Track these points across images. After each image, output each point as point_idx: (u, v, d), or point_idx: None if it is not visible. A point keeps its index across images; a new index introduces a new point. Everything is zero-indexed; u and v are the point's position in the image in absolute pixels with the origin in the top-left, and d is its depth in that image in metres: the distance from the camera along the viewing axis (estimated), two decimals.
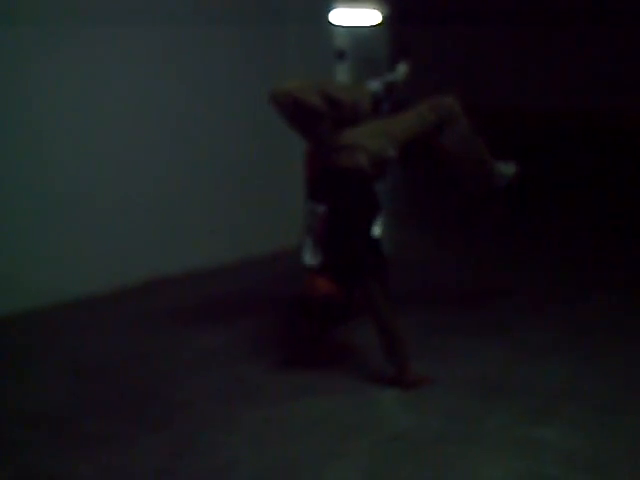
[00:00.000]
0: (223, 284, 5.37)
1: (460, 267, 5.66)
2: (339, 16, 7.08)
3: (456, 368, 3.96)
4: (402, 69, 4.42)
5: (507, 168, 4.37)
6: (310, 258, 3.86)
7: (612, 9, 11.76)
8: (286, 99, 3.82)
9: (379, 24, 10.03)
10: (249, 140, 5.74)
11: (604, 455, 3.15)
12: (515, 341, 4.27)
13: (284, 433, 3.40)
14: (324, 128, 3.90)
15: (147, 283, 5.29)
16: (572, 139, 11.15)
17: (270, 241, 5.84)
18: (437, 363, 3.99)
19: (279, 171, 5.89)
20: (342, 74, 7.48)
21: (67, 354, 4.28)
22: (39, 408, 3.67)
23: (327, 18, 6.19)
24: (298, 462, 3.16)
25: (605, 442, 3.24)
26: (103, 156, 5.09)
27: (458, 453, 3.19)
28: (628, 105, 11.65)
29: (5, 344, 4.44)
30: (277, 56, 5.82)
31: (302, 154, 4.49)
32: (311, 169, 4.23)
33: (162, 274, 5.36)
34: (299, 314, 3.82)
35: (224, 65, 5.60)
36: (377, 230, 3.96)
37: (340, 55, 7.92)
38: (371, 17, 9.43)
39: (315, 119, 3.87)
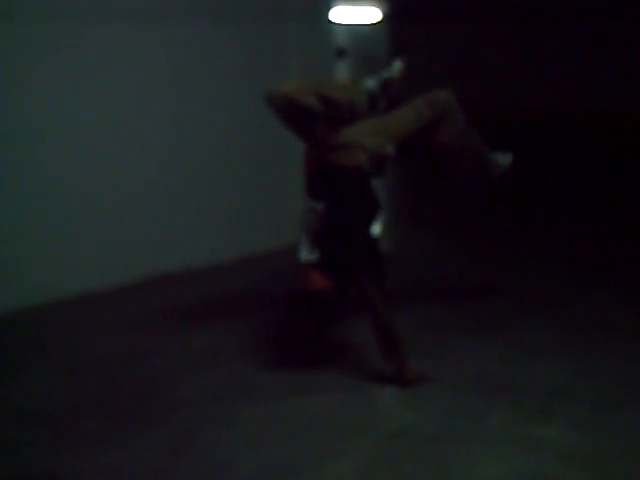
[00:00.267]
0: (222, 282, 5.38)
1: (460, 265, 5.66)
2: (339, 14, 7.07)
3: (455, 366, 3.96)
4: (397, 66, 4.42)
5: (503, 158, 4.40)
6: (306, 255, 3.86)
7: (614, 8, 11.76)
8: (282, 101, 3.83)
9: (379, 22, 10.03)
10: (249, 138, 5.75)
11: (603, 452, 3.15)
12: (514, 339, 4.27)
13: (283, 431, 3.40)
14: (321, 128, 3.90)
15: (146, 281, 5.29)
16: (573, 139, 11.15)
17: (269, 239, 5.85)
18: (436, 361, 4.00)
19: (278, 169, 5.89)
20: (342, 72, 7.47)
21: (66, 352, 4.28)
22: (38, 406, 3.68)
23: (327, 16, 6.18)
24: (297, 460, 3.16)
25: (604, 439, 3.24)
26: (102, 154, 5.09)
27: (457, 450, 3.19)
28: (629, 105, 11.65)
29: (4, 341, 4.45)
30: (277, 54, 5.82)
31: (301, 152, 4.49)
32: (310, 167, 4.23)
33: (161, 272, 5.37)
34: (294, 310, 3.83)
35: (224, 64, 5.60)
36: (376, 228, 3.96)
37: (340, 53, 7.91)
38: (371, 15, 9.43)
39: (311, 120, 3.88)
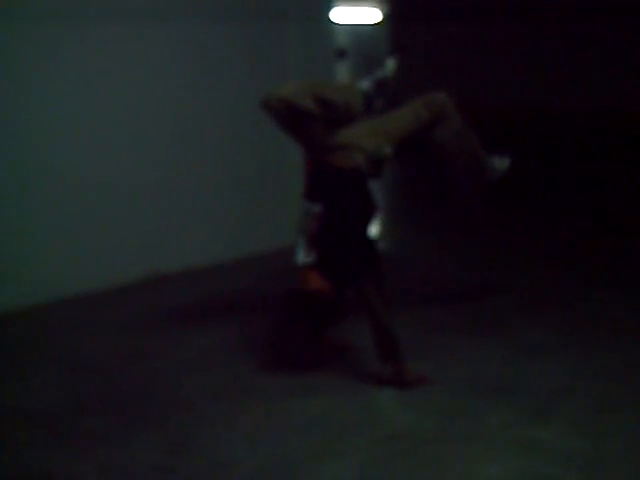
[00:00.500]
0: (221, 282, 5.38)
1: (459, 265, 5.66)
2: (340, 14, 7.09)
3: (454, 367, 3.96)
4: (391, 65, 4.42)
5: (500, 162, 4.39)
6: (303, 257, 3.87)
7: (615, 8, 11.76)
8: (280, 105, 3.84)
9: (380, 22, 10.03)
10: (249, 138, 5.75)
11: (602, 454, 3.15)
12: (513, 340, 4.28)
13: (282, 431, 3.40)
14: (318, 130, 3.91)
15: (146, 281, 5.29)
16: (573, 138, 11.15)
17: (269, 239, 5.85)
18: (435, 362, 4.00)
19: (278, 169, 5.90)
20: (343, 72, 7.47)
21: (65, 351, 4.28)
22: (38, 405, 3.68)
23: (328, 16, 6.19)
24: (296, 460, 3.17)
25: (603, 441, 3.24)
26: (102, 154, 5.09)
27: (456, 452, 3.20)
28: (629, 105, 11.65)
29: (4, 341, 4.45)
30: (278, 54, 5.82)
31: (301, 153, 4.50)
32: (310, 168, 4.24)
33: (161, 272, 5.36)
34: (292, 311, 3.83)
35: (224, 64, 5.60)
36: (373, 229, 3.96)
37: (341, 54, 7.92)
38: (372, 15, 9.43)
39: (309, 122, 3.88)
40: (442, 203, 7.43)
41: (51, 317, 4.76)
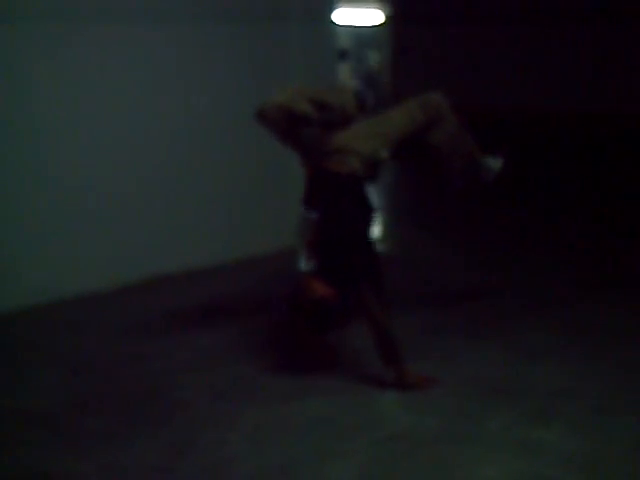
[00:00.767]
0: (222, 283, 5.38)
1: (459, 267, 5.66)
2: (342, 16, 7.10)
3: (455, 368, 3.96)
4: (373, 58, 4.44)
5: (494, 162, 4.39)
6: (304, 264, 3.87)
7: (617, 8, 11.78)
8: (278, 112, 3.84)
9: (382, 24, 10.05)
10: (250, 140, 5.74)
11: (603, 456, 3.15)
12: (514, 341, 4.28)
13: (283, 432, 3.41)
14: (316, 134, 3.91)
15: (147, 282, 5.29)
16: (573, 139, 11.15)
17: (271, 240, 5.85)
18: (436, 363, 4.00)
19: (279, 171, 5.89)
20: (344, 73, 7.48)
21: (66, 352, 4.29)
22: (39, 406, 3.68)
23: (330, 18, 6.19)
24: (297, 461, 3.17)
25: (604, 443, 3.24)
26: (103, 155, 5.09)
27: (457, 453, 3.20)
28: (629, 107, 11.66)
29: (5, 341, 4.45)
30: (279, 56, 5.82)
31: (298, 159, 4.49)
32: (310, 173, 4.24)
33: (162, 273, 5.36)
34: (296, 317, 3.83)
35: (225, 65, 5.60)
36: (372, 232, 3.96)
37: (342, 55, 7.92)
38: (374, 17, 9.46)
39: (307, 127, 3.89)
40: (440, 201, 7.43)
41: (52, 318, 4.76)
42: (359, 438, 3.33)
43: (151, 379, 3.93)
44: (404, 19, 11.98)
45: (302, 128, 3.91)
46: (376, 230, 4.17)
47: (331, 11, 6.22)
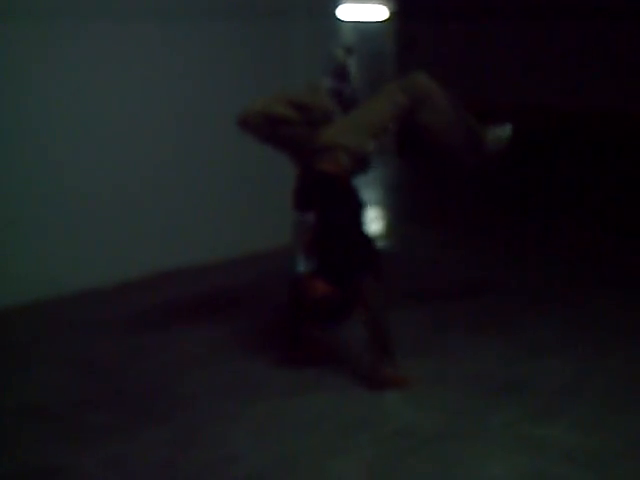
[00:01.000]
0: (224, 280, 5.37)
1: (462, 264, 5.65)
2: (346, 12, 7.09)
3: (458, 365, 3.96)
4: (339, 52, 4.42)
5: (502, 130, 4.26)
6: (303, 266, 3.87)
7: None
8: (260, 118, 3.85)
9: (386, 20, 10.03)
10: (250, 139, 5.73)
11: (606, 452, 3.15)
12: (517, 339, 4.27)
13: (286, 428, 3.40)
14: (301, 134, 3.92)
15: (148, 278, 5.29)
16: (574, 138, 11.12)
17: (272, 237, 5.84)
18: (439, 360, 4.00)
19: (280, 168, 5.87)
20: (352, 68, 7.48)
21: (68, 347, 4.28)
22: (42, 401, 3.68)
23: (334, 14, 6.18)
24: (299, 457, 3.17)
25: (607, 439, 3.24)
26: (103, 153, 5.08)
27: (461, 449, 3.20)
28: (630, 105, 11.63)
29: (7, 337, 4.45)
30: (284, 52, 5.80)
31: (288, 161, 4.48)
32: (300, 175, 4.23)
33: (163, 269, 5.36)
34: (297, 315, 3.82)
35: (228, 62, 5.58)
36: (372, 227, 3.95)
37: (347, 51, 7.93)
38: (378, 13, 9.44)
39: (289, 129, 3.90)
40: (446, 199, 7.41)
41: (55, 314, 4.76)
42: (362, 434, 3.32)
43: (153, 375, 3.93)
44: (409, 15, 11.98)
45: (285, 131, 3.91)
46: (377, 227, 4.15)
47: (335, 7, 6.21)
